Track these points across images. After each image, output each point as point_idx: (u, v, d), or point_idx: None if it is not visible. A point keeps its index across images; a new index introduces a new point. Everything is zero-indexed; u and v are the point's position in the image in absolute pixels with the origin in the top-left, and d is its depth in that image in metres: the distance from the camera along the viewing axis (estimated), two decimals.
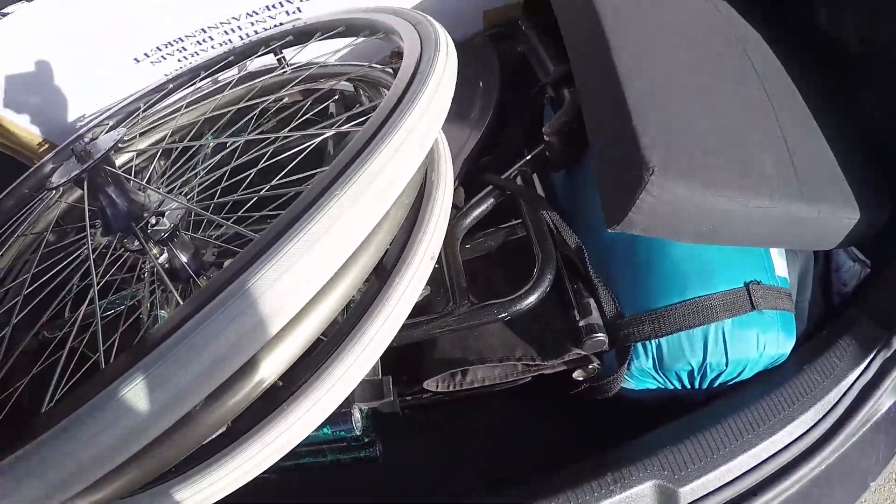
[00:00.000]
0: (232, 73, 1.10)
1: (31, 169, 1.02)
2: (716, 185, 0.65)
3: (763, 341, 0.72)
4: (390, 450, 0.78)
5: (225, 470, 0.52)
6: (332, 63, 1.04)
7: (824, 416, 0.70)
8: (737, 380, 0.76)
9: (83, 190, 0.65)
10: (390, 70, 0.90)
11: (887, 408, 0.73)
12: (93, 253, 0.70)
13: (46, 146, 1.18)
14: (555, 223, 0.82)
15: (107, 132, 0.69)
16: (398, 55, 0.72)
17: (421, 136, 0.57)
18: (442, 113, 0.61)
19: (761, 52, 0.87)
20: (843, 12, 0.89)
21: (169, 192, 0.80)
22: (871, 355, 0.73)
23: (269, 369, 0.50)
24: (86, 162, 0.63)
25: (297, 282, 0.46)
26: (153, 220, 0.69)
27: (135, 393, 0.43)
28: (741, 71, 0.81)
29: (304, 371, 0.54)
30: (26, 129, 1.14)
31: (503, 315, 0.75)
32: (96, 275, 0.70)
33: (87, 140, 0.67)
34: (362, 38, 0.93)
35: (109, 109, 1.10)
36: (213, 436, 0.51)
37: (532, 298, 0.75)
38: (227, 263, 0.72)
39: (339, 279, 0.52)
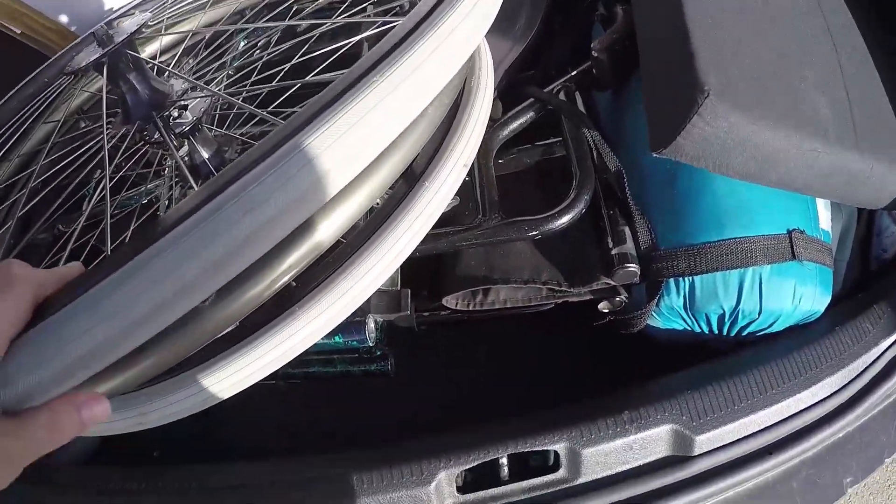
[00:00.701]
0: None
1: (54, 56, 1.00)
2: (770, 119, 0.62)
3: (800, 294, 0.70)
4: (402, 366, 0.76)
5: (230, 369, 0.50)
6: None
7: (850, 382, 0.69)
8: (766, 331, 0.74)
9: (102, 76, 0.64)
10: None
11: None
12: (110, 143, 0.68)
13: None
14: (596, 143, 0.79)
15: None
16: None
17: (467, 32, 0.52)
18: (492, 9, 0.57)
19: None
20: None
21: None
22: None
23: (284, 274, 0.48)
24: (107, 46, 0.62)
25: (319, 178, 0.43)
26: (175, 113, 0.67)
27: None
28: (808, 10, 0.77)
29: (320, 273, 0.52)
30: (59, 22, 1.12)
31: (533, 233, 0.72)
32: (112, 166, 0.67)
33: (111, 26, 0.65)
34: None
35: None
36: (223, 332, 0.49)
37: (565, 219, 0.72)
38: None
39: (365, 178, 0.49)
